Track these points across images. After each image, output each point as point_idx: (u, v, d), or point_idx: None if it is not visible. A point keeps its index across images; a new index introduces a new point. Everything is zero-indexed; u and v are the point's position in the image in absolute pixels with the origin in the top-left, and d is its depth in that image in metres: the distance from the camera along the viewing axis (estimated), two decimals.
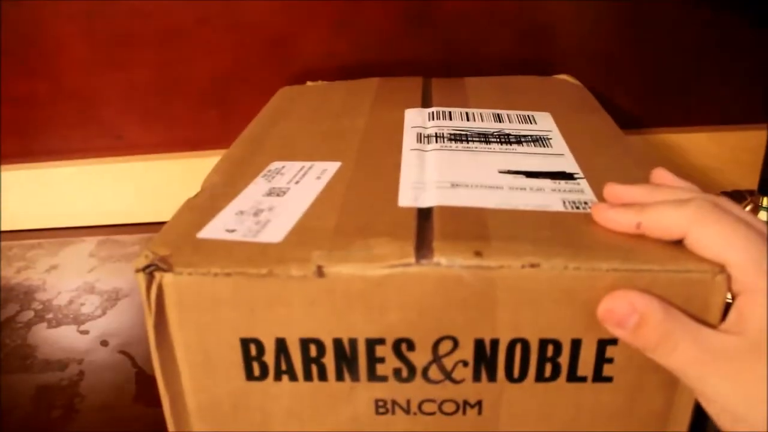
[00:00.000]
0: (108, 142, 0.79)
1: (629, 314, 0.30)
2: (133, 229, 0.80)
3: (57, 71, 0.75)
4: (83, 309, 0.65)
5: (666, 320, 0.30)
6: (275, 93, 0.64)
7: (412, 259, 0.31)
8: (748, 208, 0.65)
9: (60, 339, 0.61)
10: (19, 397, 0.54)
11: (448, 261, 0.31)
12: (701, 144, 0.74)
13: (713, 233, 0.30)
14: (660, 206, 0.32)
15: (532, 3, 0.71)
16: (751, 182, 0.65)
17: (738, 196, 0.68)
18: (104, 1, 0.71)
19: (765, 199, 0.64)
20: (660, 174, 0.36)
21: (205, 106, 0.77)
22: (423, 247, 0.32)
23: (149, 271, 0.32)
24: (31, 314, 0.65)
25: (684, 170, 0.71)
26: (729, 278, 0.30)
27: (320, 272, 0.31)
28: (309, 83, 0.68)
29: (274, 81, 0.74)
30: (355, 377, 0.33)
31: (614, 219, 0.33)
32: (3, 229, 0.80)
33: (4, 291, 0.69)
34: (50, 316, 0.65)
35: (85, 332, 0.62)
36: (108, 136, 0.78)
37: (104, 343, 0.60)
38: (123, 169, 0.78)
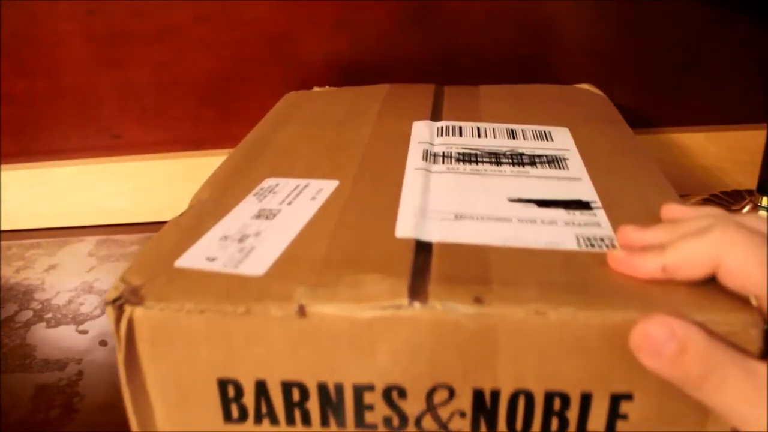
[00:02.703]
0: (106, 141, 0.77)
1: (668, 340, 0.26)
2: (132, 228, 0.78)
3: (55, 70, 0.74)
4: (82, 309, 0.63)
5: (710, 349, 0.26)
6: (276, 94, 0.63)
7: (405, 301, 0.28)
8: (748, 207, 0.63)
9: (59, 339, 0.59)
10: (18, 397, 0.52)
11: (445, 306, 0.27)
12: (700, 143, 0.73)
13: (744, 259, 0.26)
14: (682, 242, 0.28)
15: (532, 3, 0.69)
16: (751, 182, 0.64)
17: (737, 196, 0.66)
18: (103, 0, 0.70)
19: (764, 198, 0.62)
20: (671, 209, 0.33)
21: (203, 106, 0.76)
22: (418, 287, 0.28)
23: (119, 304, 0.28)
24: (30, 314, 0.63)
25: (684, 170, 0.72)
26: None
27: (303, 311, 0.28)
28: (316, 88, 0.65)
29: (273, 80, 0.74)
30: (341, 424, 0.30)
31: (635, 266, 0.29)
32: (2, 228, 0.79)
33: (3, 291, 0.67)
34: (49, 315, 0.63)
35: (84, 332, 0.60)
36: (106, 136, 0.77)
37: (103, 343, 0.59)
38: (122, 168, 0.77)
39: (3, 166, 0.77)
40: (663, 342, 0.26)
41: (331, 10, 0.70)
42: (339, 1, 0.70)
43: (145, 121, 0.76)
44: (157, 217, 0.77)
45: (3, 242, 0.77)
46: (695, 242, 0.27)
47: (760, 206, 0.62)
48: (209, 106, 0.75)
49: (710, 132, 0.73)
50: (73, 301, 0.65)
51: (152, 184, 0.77)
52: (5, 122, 0.76)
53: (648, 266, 0.29)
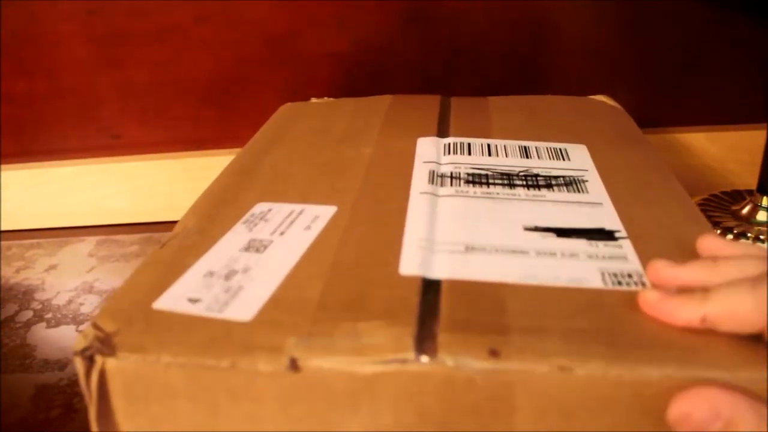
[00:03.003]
0: (106, 141, 0.75)
1: (712, 420, 0.22)
2: (132, 228, 0.76)
3: (55, 70, 0.72)
4: (82, 309, 0.61)
5: (759, 426, 0.22)
6: (277, 94, 0.62)
7: (412, 354, 0.23)
8: (748, 208, 0.61)
9: (59, 339, 0.57)
10: (19, 397, 0.51)
11: (456, 361, 0.22)
12: (701, 143, 0.71)
13: None
14: (728, 291, 0.24)
15: (532, 3, 0.67)
16: (751, 182, 0.62)
17: (737, 196, 0.64)
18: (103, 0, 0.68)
19: (764, 198, 0.60)
20: (710, 243, 0.28)
21: (203, 106, 0.73)
22: (426, 338, 0.24)
23: (88, 354, 0.24)
24: (30, 314, 0.61)
25: (684, 170, 0.69)
26: None
27: (295, 365, 0.24)
28: (313, 99, 0.59)
29: (273, 80, 0.71)
30: None
31: (671, 313, 0.25)
32: (2, 228, 0.77)
33: (3, 291, 0.66)
34: (49, 315, 0.61)
35: None
36: (106, 136, 0.75)
37: None
38: (122, 168, 0.75)
39: (3, 166, 0.75)
40: (707, 422, 0.22)
41: (331, 10, 0.68)
42: (339, 1, 0.67)
43: (145, 121, 0.74)
44: (157, 217, 0.75)
45: (3, 242, 0.75)
46: (744, 295, 0.23)
47: (760, 206, 0.60)
48: (209, 106, 0.73)
49: (710, 132, 0.70)
50: (73, 301, 0.63)
51: (152, 184, 0.75)
52: (5, 122, 0.74)
53: (686, 314, 0.24)
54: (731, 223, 0.59)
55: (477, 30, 0.68)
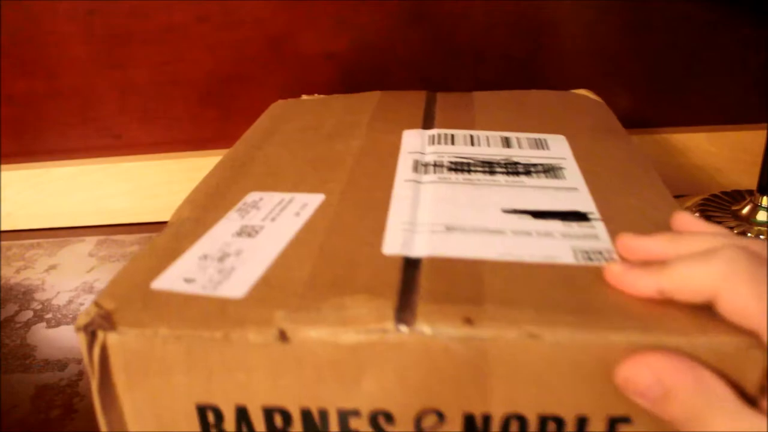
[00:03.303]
0: (107, 141, 0.76)
1: (652, 386, 0.24)
2: (132, 228, 0.77)
3: (55, 70, 0.73)
4: (82, 309, 0.61)
5: (697, 395, 0.23)
6: (277, 93, 0.63)
7: (392, 324, 0.25)
8: (748, 208, 0.62)
9: (59, 339, 0.58)
10: (19, 397, 0.51)
11: (433, 329, 0.24)
12: (701, 144, 0.72)
13: (746, 294, 0.23)
14: (683, 265, 0.25)
15: (532, 3, 0.68)
16: (751, 182, 0.63)
17: (737, 196, 0.65)
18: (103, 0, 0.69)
19: (765, 199, 0.61)
20: (683, 219, 0.30)
21: (204, 105, 0.74)
22: (405, 309, 0.26)
23: (90, 329, 0.26)
24: (30, 314, 0.62)
25: (684, 170, 0.71)
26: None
27: (283, 337, 0.25)
28: (304, 97, 0.61)
29: (273, 80, 0.73)
30: None
31: (631, 284, 0.26)
32: (2, 228, 0.78)
33: (3, 291, 0.66)
34: (49, 315, 0.61)
35: None
36: (107, 136, 0.76)
37: None
38: (122, 168, 0.76)
39: (3, 166, 0.76)
40: (647, 387, 0.24)
41: (331, 10, 0.69)
42: (339, 1, 0.68)
43: (146, 121, 0.75)
44: (157, 217, 0.76)
45: (3, 242, 0.76)
46: (695, 268, 0.25)
47: (760, 206, 0.61)
48: (209, 106, 0.74)
49: (711, 132, 0.71)
50: (74, 301, 0.63)
51: (152, 184, 0.75)
52: (5, 122, 0.75)
53: (645, 286, 0.26)
54: (731, 223, 0.60)
55: (477, 30, 0.69)
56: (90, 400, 0.50)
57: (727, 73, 0.70)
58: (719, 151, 0.71)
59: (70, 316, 0.61)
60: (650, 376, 0.24)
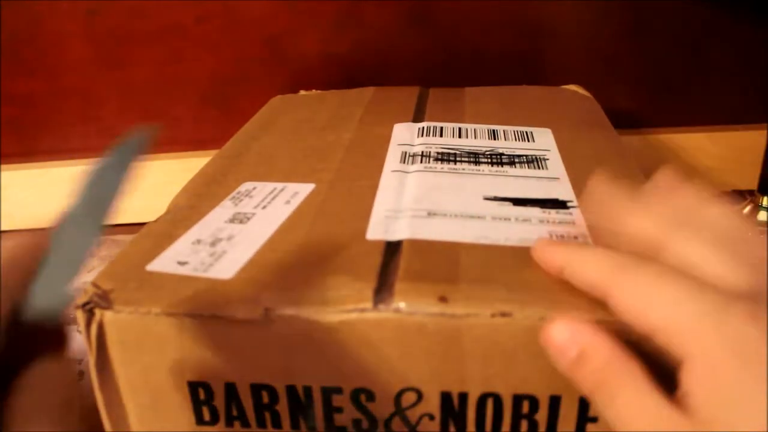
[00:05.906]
0: (108, 141, 0.74)
1: (569, 346, 0.26)
2: (132, 228, 0.76)
3: (56, 70, 0.74)
4: None
5: (609, 364, 0.25)
6: (276, 93, 0.63)
7: (370, 304, 0.28)
8: (748, 208, 0.64)
9: None
10: None
11: (409, 307, 0.27)
12: (701, 144, 0.73)
13: (632, 294, 0.25)
14: (585, 254, 0.28)
15: (532, 3, 0.70)
16: (751, 182, 0.65)
17: (737, 196, 0.67)
18: (103, 0, 0.71)
19: (765, 198, 0.63)
20: (666, 176, 0.32)
21: (204, 105, 0.76)
22: (384, 289, 0.29)
23: (88, 308, 0.29)
24: None
25: (684, 170, 0.70)
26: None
27: (268, 315, 0.28)
28: (302, 92, 0.65)
29: (274, 80, 0.74)
30: (311, 426, 0.30)
31: (541, 258, 0.29)
32: (2, 228, 0.78)
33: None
34: None
35: None
36: (107, 135, 0.76)
37: None
38: None
39: (3, 166, 0.77)
40: (563, 343, 0.26)
41: (331, 10, 0.70)
42: (339, 1, 0.70)
43: (146, 121, 0.76)
44: (157, 217, 0.77)
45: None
46: (594, 262, 0.27)
47: (761, 206, 0.63)
48: (210, 106, 0.76)
49: (711, 132, 0.73)
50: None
51: (153, 183, 0.74)
52: (6, 122, 0.76)
53: (551, 260, 0.28)
54: None
55: (477, 30, 0.71)
56: (90, 400, 0.53)
57: (727, 73, 0.71)
58: (720, 151, 0.72)
59: (70, 316, 0.63)
60: (567, 334, 0.26)
